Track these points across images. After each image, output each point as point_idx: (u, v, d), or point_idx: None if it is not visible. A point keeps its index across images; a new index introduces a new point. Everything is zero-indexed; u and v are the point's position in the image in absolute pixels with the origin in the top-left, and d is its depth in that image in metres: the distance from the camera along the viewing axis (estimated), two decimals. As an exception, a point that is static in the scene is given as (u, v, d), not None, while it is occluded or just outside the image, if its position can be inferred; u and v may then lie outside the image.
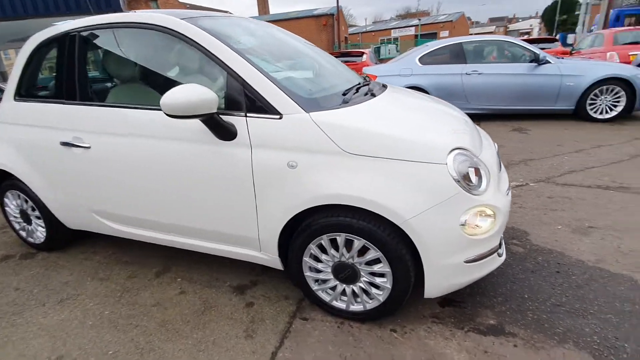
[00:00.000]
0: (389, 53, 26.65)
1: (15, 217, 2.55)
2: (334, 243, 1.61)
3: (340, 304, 1.73)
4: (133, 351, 1.64)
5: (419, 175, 1.42)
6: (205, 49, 1.62)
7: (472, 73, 5.56)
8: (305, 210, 1.56)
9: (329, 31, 27.80)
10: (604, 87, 5.12)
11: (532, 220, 2.61)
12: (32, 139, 2.14)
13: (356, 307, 1.70)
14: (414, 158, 1.42)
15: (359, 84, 2.05)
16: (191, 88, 1.41)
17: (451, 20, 35.49)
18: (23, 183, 2.31)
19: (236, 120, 1.58)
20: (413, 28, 37.07)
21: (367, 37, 41.16)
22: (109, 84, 2.10)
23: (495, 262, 1.63)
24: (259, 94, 1.54)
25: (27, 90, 2.22)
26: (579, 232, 2.41)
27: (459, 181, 1.42)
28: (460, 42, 5.77)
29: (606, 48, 8.11)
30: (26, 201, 2.41)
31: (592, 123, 5.28)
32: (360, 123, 1.50)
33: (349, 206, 1.51)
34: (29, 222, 2.50)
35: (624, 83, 5.04)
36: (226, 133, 1.57)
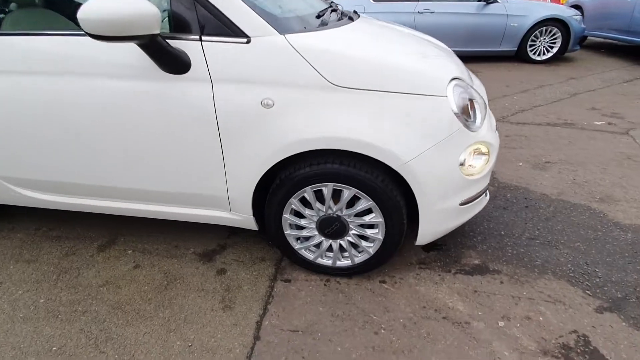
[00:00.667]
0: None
1: None
2: (318, 195, 1.41)
3: (325, 261, 1.58)
4: (84, 343, 1.36)
5: (420, 111, 1.24)
6: None
7: (425, 12, 5.36)
8: (284, 159, 1.32)
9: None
10: (543, 28, 5.29)
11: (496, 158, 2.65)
12: None
13: (343, 263, 1.57)
14: (415, 90, 1.23)
15: (330, 6, 1.75)
16: None
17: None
18: None
19: (188, 46, 1.22)
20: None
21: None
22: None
23: (482, 203, 1.58)
24: (218, 10, 1.18)
25: None
26: (539, 167, 2.50)
27: (458, 116, 1.27)
28: (412, -22, 5.46)
29: (540, -10, 8.36)
30: None
31: (531, 64, 5.51)
32: (350, 48, 1.24)
33: (336, 151, 1.31)
34: None
35: (561, 24, 5.24)
36: (175, 63, 1.21)
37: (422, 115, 1.24)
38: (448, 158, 1.29)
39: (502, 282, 1.56)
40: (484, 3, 5.27)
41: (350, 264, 1.56)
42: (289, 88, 1.22)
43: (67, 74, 1.33)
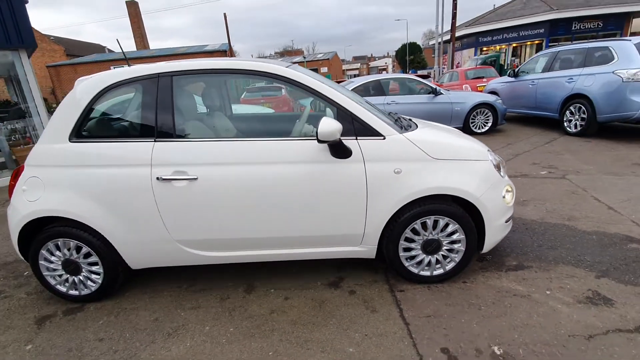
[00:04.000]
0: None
1: (53, 270, 2.33)
2: (422, 226, 2.23)
3: (425, 272, 2.33)
4: (293, 345, 1.90)
5: (478, 169, 2.19)
6: (316, 90, 2.10)
7: (392, 103, 6.92)
8: (404, 204, 2.15)
9: (221, 67, 27.92)
10: (478, 110, 7.09)
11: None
12: (104, 179, 2.13)
13: (438, 272, 2.33)
14: (474, 158, 2.20)
15: (394, 113, 2.77)
16: (331, 120, 1.90)
17: (328, 58, 39.99)
18: (81, 228, 2.21)
19: (350, 143, 2.09)
20: (298, 65, 40.46)
21: (256, 73, 42.67)
22: (208, 121, 2.29)
23: (510, 226, 2.50)
24: (366, 123, 2.10)
25: (91, 131, 2.21)
26: (521, 204, 3.57)
27: (497, 170, 2.25)
28: (379, 79, 7.14)
29: (461, 82, 10.86)
30: (77, 249, 2.28)
31: (475, 135, 7.17)
32: (436, 138, 2.21)
33: (435, 195, 2.17)
34: (75, 272, 2.33)
35: (490, 107, 7.08)
36: (345, 153, 2.06)
37: (481, 171, 2.20)
38: (497, 193, 2.22)
39: (536, 272, 2.42)
40: (433, 95, 6.99)
41: (442, 272, 2.33)
42: (409, 162, 2.12)
43: (263, 164, 2.10)
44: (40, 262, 2.31)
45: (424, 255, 2.30)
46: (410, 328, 1.97)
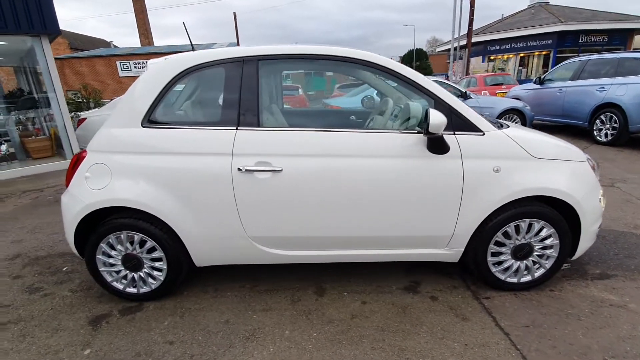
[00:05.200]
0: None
1: (111, 266, 2.15)
2: (515, 229, 2.08)
3: (512, 279, 2.19)
4: (389, 355, 1.74)
5: (578, 170, 2.06)
6: (415, 82, 1.97)
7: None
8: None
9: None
10: (507, 115, 7.00)
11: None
12: (179, 168, 1.97)
13: (525, 279, 2.19)
14: (573, 158, 2.06)
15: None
16: (439, 113, 1.76)
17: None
18: (148, 220, 2.04)
19: (448, 138, 1.95)
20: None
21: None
22: (294, 110, 2.13)
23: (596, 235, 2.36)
24: (466, 117, 1.97)
25: (167, 116, 2.04)
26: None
27: (594, 172, 2.12)
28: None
29: (480, 88, 10.80)
30: (141, 244, 2.11)
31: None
32: (535, 136, 2.07)
33: (530, 197, 2.03)
34: (135, 268, 2.16)
35: (519, 113, 6.99)
36: (443, 148, 1.92)
37: (580, 172, 2.06)
38: (595, 197, 2.09)
39: (623, 281, 2.28)
40: (463, 99, 6.89)
41: (530, 279, 2.18)
42: (509, 159, 1.98)
43: (354, 156, 1.94)
44: (97, 256, 2.13)
45: (513, 260, 2.16)
46: (512, 339, 1.82)
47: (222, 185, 1.96)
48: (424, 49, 41.30)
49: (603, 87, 6.27)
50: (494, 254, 2.15)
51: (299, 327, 1.95)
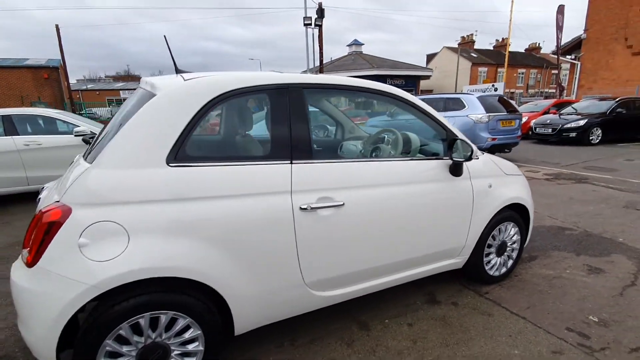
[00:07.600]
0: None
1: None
2: (497, 231, 2.59)
3: (496, 273, 2.67)
4: (472, 363, 1.86)
5: (523, 181, 2.76)
6: (436, 118, 2.25)
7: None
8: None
9: (53, 85, 22.70)
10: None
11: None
12: (225, 214, 1.58)
13: (503, 270, 2.71)
14: (518, 172, 2.76)
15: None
16: (470, 144, 2.09)
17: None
18: (184, 290, 1.54)
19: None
20: (143, 90, 37.57)
21: (90, 95, 39.86)
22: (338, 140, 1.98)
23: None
24: (470, 147, 2.36)
25: (200, 150, 1.62)
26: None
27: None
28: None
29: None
30: (169, 324, 1.55)
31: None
32: (503, 161, 2.66)
33: (506, 206, 2.59)
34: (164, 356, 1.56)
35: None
36: (461, 170, 2.25)
37: (524, 182, 2.77)
38: (531, 198, 2.85)
39: (544, 258, 3.13)
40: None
41: (505, 270, 2.73)
42: (493, 177, 2.47)
43: (401, 185, 2.04)
44: (98, 360, 1.44)
45: (496, 257, 2.66)
46: (530, 320, 2.25)
47: (282, 228, 1.69)
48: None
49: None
50: (486, 255, 2.60)
51: (377, 368, 1.84)
